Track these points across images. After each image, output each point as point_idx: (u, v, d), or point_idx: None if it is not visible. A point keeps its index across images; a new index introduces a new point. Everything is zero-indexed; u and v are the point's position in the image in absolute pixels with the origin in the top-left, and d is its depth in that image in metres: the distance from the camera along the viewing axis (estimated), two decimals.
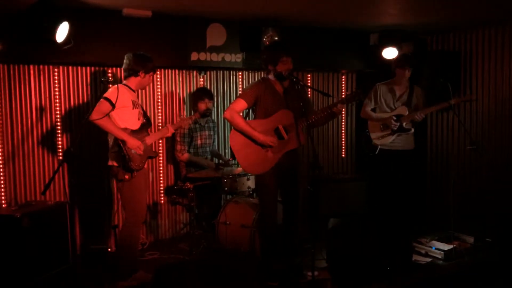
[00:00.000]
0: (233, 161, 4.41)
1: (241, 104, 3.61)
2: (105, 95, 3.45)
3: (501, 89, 4.90)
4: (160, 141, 4.83)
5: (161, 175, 4.88)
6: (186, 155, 4.56)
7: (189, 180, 4.20)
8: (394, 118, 4.48)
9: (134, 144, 3.47)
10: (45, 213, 3.71)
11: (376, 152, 4.57)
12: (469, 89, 5.14)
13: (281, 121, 3.59)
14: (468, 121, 5.15)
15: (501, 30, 4.85)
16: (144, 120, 3.71)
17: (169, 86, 4.87)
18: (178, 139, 4.58)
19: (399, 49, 5.14)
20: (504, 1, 4.00)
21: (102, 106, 3.40)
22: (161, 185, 4.87)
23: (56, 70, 4.27)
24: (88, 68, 4.42)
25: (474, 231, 4.41)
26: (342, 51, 5.45)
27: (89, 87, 4.45)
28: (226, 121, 5.13)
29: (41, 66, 4.20)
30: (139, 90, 4.61)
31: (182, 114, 4.67)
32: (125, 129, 3.50)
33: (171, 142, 4.79)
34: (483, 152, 4.45)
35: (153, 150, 4.02)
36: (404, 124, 4.49)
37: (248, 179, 4.34)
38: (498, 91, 4.93)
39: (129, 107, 3.53)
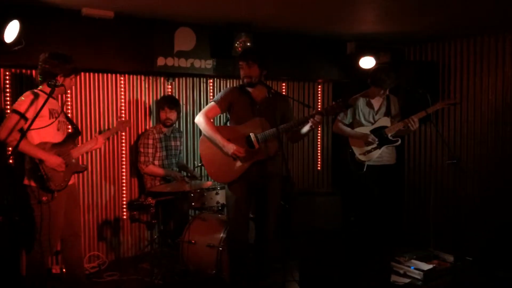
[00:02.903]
0: (197, 170, 4.11)
1: (214, 109, 3.47)
2: (15, 106, 3.03)
3: (479, 101, 4.79)
4: (123, 152, 4.51)
5: (124, 188, 4.54)
6: (150, 167, 4.24)
7: (151, 195, 3.87)
8: (371, 134, 4.23)
9: (54, 163, 3.07)
10: None
11: (364, 170, 4.25)
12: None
13: (254, 129, 3.37)
14: (446, 132, 5.00)
15: (480, 42, 4.75)
16: (71, 130, 3.35)
17: (133, 93, 4.55)
18: (141, 150, 4.26)
19: (376, 58, 4.98)
20: (481, 13, 3.90)
21: (10, 121, 2.98)
22: (124, 199, 4.53)
23: (7, 73, 3.91)
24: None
25: (454, 249, 4.22)
26: (318, 59, 5.25)
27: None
28: (196, 131, 4.90)
29: None
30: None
31: (128, 120, 4.15)
32: (44, 144, 3.09)
33: (134, 154, 4.47)
34: (463, 169, 4.25)
35: (81, 164, 3.59)
36: (389, 135, 4.27)
37: (217, 194, 4.06)
38: (477, 103, 4.81)
39: (44, 117, 3.07)
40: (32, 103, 3.03)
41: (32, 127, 2.96)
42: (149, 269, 3.91)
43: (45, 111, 3.08)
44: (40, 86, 3.20)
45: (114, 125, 3.73)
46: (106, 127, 4.39)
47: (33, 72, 4.03)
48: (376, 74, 4.27)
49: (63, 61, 3.17)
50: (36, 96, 3.09)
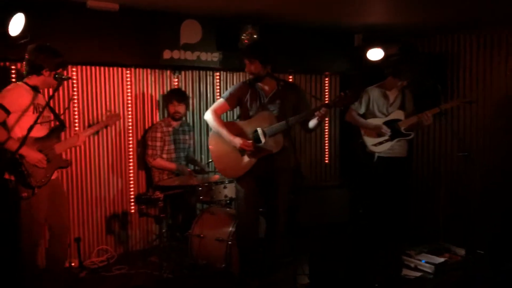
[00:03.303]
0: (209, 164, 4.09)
1: (223, 106, 3.49)
2: None
3: (490, 93, 4.72)
4: (131, 146, 4.48)
5: (132, 182, 4.51)
6: (157, 160, 4.22)
7: (159, 189, 3.84)
8: (384, 126, 4.17)
9: (34, 158, 2.99)
10: None
11: (374, 160, 4.19)
12: (456, 93, 4.94)
13: (261, 123, 3.34)
14: (456, 124, 4.93)
15: (490, 34, 4.67)
16: (56, 124, 3.28)
17: (140, 86, 4.51)
18: (149, 143, 4.23)
19: (384, 50, 4.91)
20: (492, 5, 3.83)
21: None
22: (132, 193, 4.51)
23: (13, 67, 3.87)
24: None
25: (465, 242, 4.17)
26: (325, 52, 5.19)
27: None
28: (202, 125, 4.86)
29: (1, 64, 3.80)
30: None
31: (122, 115, 4.14)
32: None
33: (142, 147, 4.45)
34: (474, 161, 4.19)
35: (65, 159, 3.50)
36: (402, 128, 4.20)
37: (225, 187, 4.01)
38: (487, 95, 4.74)
39: (28, 111, 3.01)
40: (14, 96, 2.98)
41: (16, 121, 2.97)
42: (157, 263, 3.88)
43: (27, 105, 3.02)
44: (26, 79, 3.12)
45: (103, 119, 3.61)
46: None
47: None
48: (397, 65, 4.17)
49: (50, 54, 3.08)
50: (20, 89, 3.04)
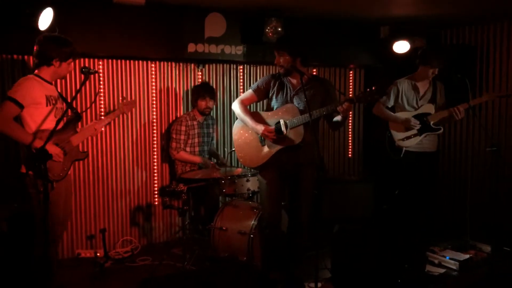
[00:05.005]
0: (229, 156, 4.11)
1: (250, 96, 3.54)
2: (10, 93, 2.87)
3: None
4: (155, 139, 4.54)
5: (156, 174, 4.58)
6: (181, 153, 4.26)
7: (183, 181, 3.88)
8: (413, 119, 4.09)
9: (52, 152, 2.86)
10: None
11: (401, 155, 4.12)
12: (485, 86, 4.81)
13: (285, 115, 3.34)
14: (483, 118, 4.81)
15: None
16: (71, 115, 3.20)
17: (164, 80, 4.55)
18: (174, 136, 4.28)
19: (411, 43, 4.82)
20: None
21: (6, 109, 2.82)
22: (155, 185, 4.58)
23: None
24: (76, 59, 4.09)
25: (491, 239, 4.08)
26: (350, 44, 5.13)
27: (77, 80, 4.13)
28: (226, 117, 4.88)
29: (25, 57, 3.89)
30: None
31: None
32: (41, 132, 2.92)
33: (166, 140, 4.50)
34: (502, 156, 4.09)
35: (81, 150, 3.43)
36: (431, 123, 4.12)
37: (247, 181, 4.02)
38: None
39: (41, 104, 2.93)
40: (26, 90, 2.89)
41: (30, 115, 2.91)
42: (180, 255, 3.93)
43: (41, 98, 2.95)
44: (36, 70, 3.03)
45: (118, 107, 3.52)
46: (138, 114, 4.42)
47: None
48: (425, 53, 4.11)
49: (60, 44, 3.00)
50: (32, 81, 2.95)
